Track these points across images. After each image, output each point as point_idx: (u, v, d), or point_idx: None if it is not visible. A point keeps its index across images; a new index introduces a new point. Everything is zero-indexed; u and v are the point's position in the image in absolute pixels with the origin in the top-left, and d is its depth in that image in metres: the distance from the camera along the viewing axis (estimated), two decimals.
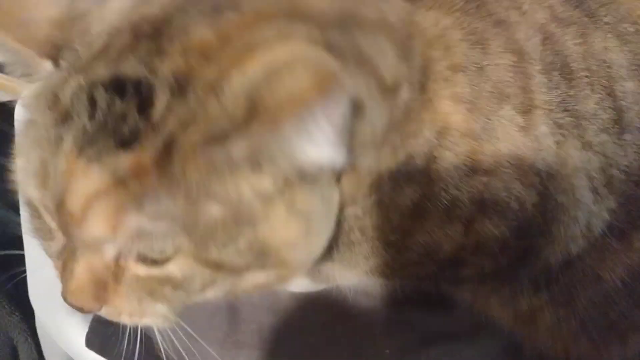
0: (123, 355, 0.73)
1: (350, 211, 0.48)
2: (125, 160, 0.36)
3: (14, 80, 1.23)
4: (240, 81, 0.36)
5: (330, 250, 0.51)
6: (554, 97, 0.49)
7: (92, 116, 0.36)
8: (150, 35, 0.38)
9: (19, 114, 0.64)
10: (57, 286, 0.75)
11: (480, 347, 0.67)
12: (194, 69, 0.37)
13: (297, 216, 0.40)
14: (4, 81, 1.24)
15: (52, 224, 0.41)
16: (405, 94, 0.45)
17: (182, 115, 0.36)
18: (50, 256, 0.43)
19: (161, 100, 0.36)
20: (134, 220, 0.36)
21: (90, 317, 0.76)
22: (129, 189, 0.35)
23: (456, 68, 0.48)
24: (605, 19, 0.53)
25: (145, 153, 0.36)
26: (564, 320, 0.60)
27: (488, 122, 0.47)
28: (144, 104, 0.36)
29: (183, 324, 0.47)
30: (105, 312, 0.42)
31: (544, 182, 0.49)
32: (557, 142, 0.49)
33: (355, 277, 0.58)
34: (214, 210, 0.37)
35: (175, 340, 0.68)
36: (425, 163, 0.47)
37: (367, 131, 0.43)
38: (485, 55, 0.48)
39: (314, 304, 0.69)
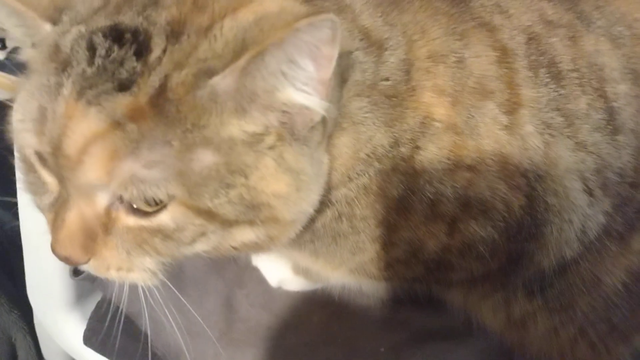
0: (120, 353, 0.74)
1: (340, 194, 0.48)
2: (122, 102, 0.37)
3: (12, 78, 1.24)
4: (231, 26, 0.39)
5: (315, 243, 0.51)
6: (543, 93, 0.49)
7: (91, 62, 0.38)
8: None
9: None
10: (55, 284, 0.75)
11: (475, 345, 0.68)
12: (188, 17, 0.39)
13: (287, 172, 0.41)
14: (2, 79, 1.24)
15: (46, 176, 0.42)
16: (391, 57, 0.46)
17: (176, 58, 0.38)
18: (42, 210, 0.43)
19: (158, 46, 0.38)
20: (129, 166, 0.36)
21: (88, 314, 0.76)
22: (125, 133, 0.36)
23: (436, 57, 0.47)
24: (599, 22, 0.53)
25: (142, 94, 0.37)
26: (560, 326, 0.59)
27: (471, 118, 0.47)
28: (141, 50, 0.38)
29: (170, 284, 0.47)
30: (92, 265, 0.41)
31: (532, 184, 0.49)
32: (546, 142, 0.49)
33: (341, 276, 0.58)
34: (207, 157, 0.38)
35: (171, 336, 0.69)
36: (410, 152, 0.47)
37: (354, 80, 0.44)
38: (465, 47, 0.48)
39: (310, 303, 0.69)
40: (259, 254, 0.53)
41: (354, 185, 0.47)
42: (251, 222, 0.41)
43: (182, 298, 0.70)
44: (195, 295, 0.70)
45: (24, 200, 0.71)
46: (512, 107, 0.48)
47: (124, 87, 0.37)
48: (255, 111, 0.39)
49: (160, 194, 0.38)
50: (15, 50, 1.32)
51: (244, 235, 0.42)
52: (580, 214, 0.51)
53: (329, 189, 0.47)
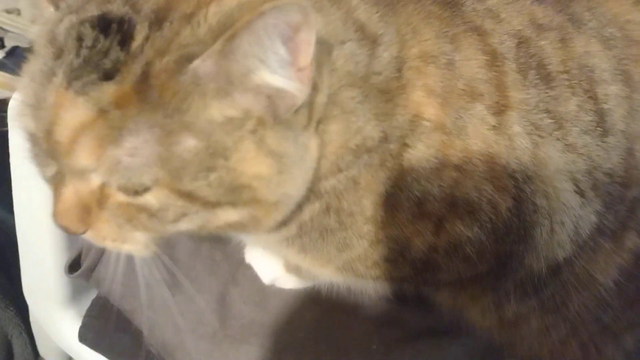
0: (115, 350, 0.75)
1: (329, 185, 0.48)
2: (107, 91, 0.38)
3: (8, 77, 1.24)
4: (215, 11, 0.39)
5: (303, 238, 0.51)
6: (531, 95, 0.49)
7: (78, 52, 0.39)
8: None
9: (13, 109, 0.65)
10: (51, 282, 0.76)
11: (466, 342, 0.68)
12: (173, 4, 0.40)
13: (268, 154, 0.41)
14: (1, 78, 1.25)
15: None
16: (384, 52, 0.47)
17: (158, 45, 0.39)
18: (46, 181, 0.45)
19: (140, 34, 0.39)
20: (113, 153, 0.38)
21: (83, 311, 0.77)
22: (110, 120, 0.38)
23: (427, 58, 0.48)
24: (590, 24, 0.53)
25: (126, 82, 0.38)
26: (552, 326, 0.59)
27: (459, 119, 0.48)
28: (125, 39, 0.39)
29: (164, 257, 0.48)
30: (90, 236, 0.43)
31: (520, 186, 0.49)
32: (534, 143, 0.49)
33: (329, 274, 0.58)
34: (188, 141, 0.39)
35: (166, 332, 0.70)
36: (398, 149, 0.47)
37: (346, 70, 0.45)
38: (456, 50, 0.48)
39: (303, 301, 0.70)
40: (248, 234, 0.53)
41: (343, 177, 0.48)
42: (233, 204, 0.42)
43: (176, 295, 0.70)
44: (189, 293, 0.70)
45: (20, 198, 0.72)
46: (500, 109, 0.48)
47: (108, 76, 0.38)
48: (235, 93, 0.39)
49: (144, 179, 0.39)
50: (14, 49, 1.32)
51: (228, 216, 0.43)
52: (572, 215, 0.51)
53: (318, 178, 0.47)
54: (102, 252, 0.73)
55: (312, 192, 0.47)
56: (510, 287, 0.57)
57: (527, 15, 0.52)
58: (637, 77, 0.53)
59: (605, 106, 0.51)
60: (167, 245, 0.72)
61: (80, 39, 0.39)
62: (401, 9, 0.50)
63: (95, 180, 0.41)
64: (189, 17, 0.39)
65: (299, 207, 0.48)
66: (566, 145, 0.50)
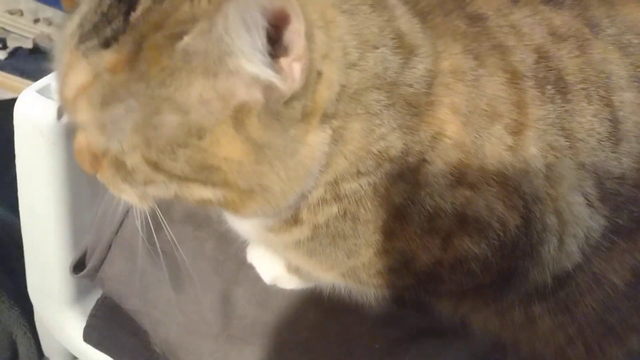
0: (119, 349, 0.75)
1: (350, 188, 0.47)
2: (104, 58, 0.40)
3: (12, 78, 1.25)
4: None
5: (315, 241, 0.51)
6: (549, 112, 0.49)
7: (93, 16, 0.41)
8: None
9: (19, 110, 0.65)
10: (56, 282, 0.76)
11: (469, 342, 0.68)
12: None
13: (245, 141, 0.41)
14: (3, 78, 1.25)
15: None
16: (419, 64, 0.46)
17: (154, 19, 0.39)
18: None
19: (142, 5, 0.40)
20: (101, 116, 0.41)
21: (88, 311, 0.77)
22: (102, 86, 0.40)
23: (457, 74, 0.48)
24: (609, 31, 0.53)
25: (120, 52, 0.40)
26: (561, 326, 0.59)
27: (478, 138, 0.48)
28: (130, 9, 0.40)
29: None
30: (100, 178, 0.47)
31: (529, 206, 0.49)
32: (549, 165, 0.49)
33: (332, 279, 0.58)
34: (166, 116, 0.40)
35: (170, 332, 0.70)
36: (417, 163, 0.47)
37: (373, 72, 0.44)
38: (480, 67, 0.48)
39: (306, 301, 0.70)
40: (236, 216, 0.52)
41: (365, 183, 0.47)
42: (203, 182, 0.43)
43: (180, 295, 0.71)
44: (193, 293, 0.71)
45: (25, 198, 0.72)
46: (518, 128, 0.48)
47: (107, 44, 0.40)
48: (221, 75, 0.39)
49: (124, 144, 0.42)
50: (16, 50, 1.33)
51: (201, 192, 0.44)
52: (583, 227, 0.52)
53: (335, 180, 0.47)
54: (106, 252, 0.74)
55: (330, 194, 0.47)
56: (514, 298, 0.57)
57: (546, 26, 0.52)
58: None
59: (621, 113, 0.51)
60: (171, 246, 0.73)
61: (100, 3, 0.41)
62: (431, 21, 0.50)
63: (92, 134, 0.43)
64: None
65: (313, 208, 0.48)
66: (578, 163, 0.50)
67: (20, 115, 0.63)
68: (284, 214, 0.50)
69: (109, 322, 0.75)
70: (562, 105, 0.50)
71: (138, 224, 0.50)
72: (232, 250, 0.72)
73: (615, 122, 0.51)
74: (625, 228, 0.53)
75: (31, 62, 1.27)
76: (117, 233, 0.74)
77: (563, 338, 0.60)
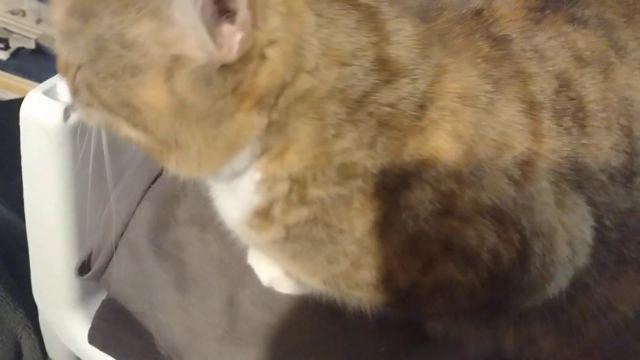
0: (124, 351, 0.75)
1: (316, 195, 0.46)
2: None
3: (15, 79, 1.25)
4: None
5: (294, 243, 0.51)
6: (564, 145, 0.47)
7: None
8: None
9: (25, 111, 0.65)
10: (60, 283, 0.76)
11: (477, 344, 0.68)
12: None
13: (170, 93, 0.42)
14: (6, 79, 1.25)
15: None
16: (407, 85, 0.44)
17: None
18: None
19: None
20: (65, 28, 0.44)
21: (93, 313, 0.77)
22: (73, 3, 0.43)
23: (467, 98, 0.45)
24: (635, 54, 0.51)
25: None
26: (565, 346, 0.59)
27: (479, 169, 0.45)
28: None
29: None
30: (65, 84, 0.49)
31: (527, 241, 0.48)
32: (558, 200, 0.47)
33: (316, 285, 0.57)
34: (110, 46, 0.42)
35: (175, 334, 0.70)
36: (396, 186, 0.45)
37: (331, 86, 0.43)
38: (498, 92, 0.46)
39: (311, 303, 0.70)
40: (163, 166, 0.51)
41: (334, 194, 0.46)
42: (126, 119, 0.44)
43: (185, 297, 0.71)
44: (198, 295, 0.71)
45: (30, 200, 0.72)
46: (530, 158, 0.46)
47: None
48: (165, 21, 0.40)
49: (76, 58, 0.44)
50: (18, 51, 1.32)
51: (126, 130, 0.45)
52: (587, 252, 0.51)
53: (300, 182, 0.46)
54: (111, 254, 0.74)
55: (296, 195, 0.47)
56: (509, 323, 0.56)
57: (570, 49, 0.50)
58: None
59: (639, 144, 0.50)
60: (177, 247, 0.73)
61: None
62: (450, 40, 0.48)
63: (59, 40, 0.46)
64: None
65: (281, 207, 0.48)
66: (588, 197, 0.49)
67: (26, 117, 0.63)
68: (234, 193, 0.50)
69: (114, 324, 0.75)
70: (578, 137, 0.48)
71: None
72: (237, 252, 0.72)
73: (632, 155, 0.49)
74: (633, 259, 0.52)
75: (34, 62, 1.27)
76: (122, 235, 0.74)
77: (569, 356, 0.59)
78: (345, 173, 0.45)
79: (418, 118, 0.45)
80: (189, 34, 0.40)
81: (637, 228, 0.51)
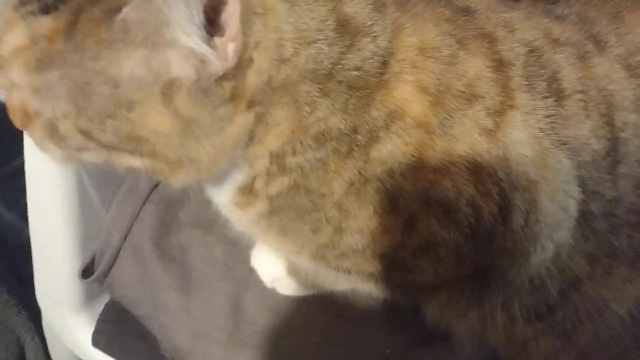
0: (128, 354, 0.75)
1: (294, 162, 0.47)
2: (42, 24, 0.40)
3: None
4: None
5: (280, 215, 0.51)
6: (540, 106, 0.47)
7: None
8: None
9: None
10: (64, 286, 0.76)
11: (480, 345, 0.68)
12: None
13: (174, 116, 0.42)
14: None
15: None
16: (369, 44, 0.45)
17: None
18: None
19: None
20: (35, 80, 0.41)
21: (96, 316, 0.77)
22: (38, 52, 0.41)
23: (427, 50, 0.46)
24: (617, 50, 0.51)
25: (58, 20, 0.40)
26: (562, 350, 0.59)
27: (448, 119, 0.46)
28: None
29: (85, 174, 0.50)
30: (29, 134, 0.47)
31: (506, 193, 0.47)
32: (538, 151, 0.47)
33: (305, 263, 0.57)
34: (97, 88, 0.41)
35: (179, 337, 0.70)
36: (366, 141, 0.46)
37: (303, 67, 0.44)
38: (462, 48, 0.47)
39: (315, 305, 0.70)
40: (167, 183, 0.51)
41: (311, 157, 0.47)
42: (131, 152, 0.44)
43: (189, 300, 0.71)
44: (202, 298, 0.71)
45: (34, 203, 0.72)
46: (502, 108, 0.47)
47: (46, 10, 0.40)
48: (157, 46, 0.40)
49: (56, 110, 0.42)
50: None
51: (130, 161, 0.45)
52: (571, 226, 0.50)
53: (278, 154, 0.47)
54: (115, 257, 0.74)
55: (276, 166, 0.48)
56: (496, 303, 0.56)
57: (543, 30, 0.51)
58: None
59: (622, 134, 0.50)
60: (181, 250, 0.73)
61: None
62: (409, 7, 0.49)
63: (25, 96, 0.44)
64: None
65: (263, 179, 0.49)
66: (574, 161, 0.48)
67: None
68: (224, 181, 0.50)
69: (117, 327, 0.75)
70: (556, 108, 0.48)
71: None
72: (241, 255, 0.72)
73: (614, 143, 0.49)
74: (624, 254, 0.52)
75: None
76: (126, 238, 0.74)
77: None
78: (322, 139, 0.46)
79: (382, 74, 0.46)
80: (183, 53, 0.40)
81: (626, 220, 0.51)
